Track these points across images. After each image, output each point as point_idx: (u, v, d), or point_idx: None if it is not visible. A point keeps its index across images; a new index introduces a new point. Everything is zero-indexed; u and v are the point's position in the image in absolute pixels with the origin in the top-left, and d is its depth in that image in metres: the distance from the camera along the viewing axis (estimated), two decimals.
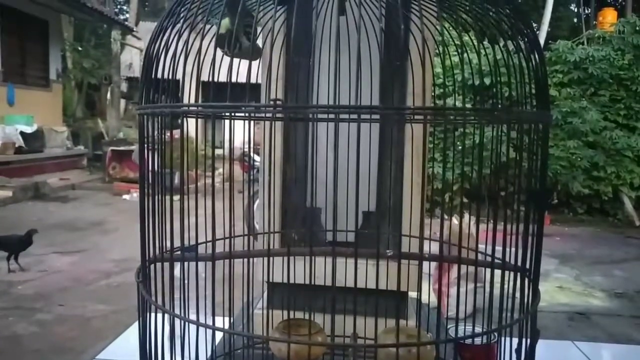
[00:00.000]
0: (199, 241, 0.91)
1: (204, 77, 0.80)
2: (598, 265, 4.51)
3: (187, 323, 0.65)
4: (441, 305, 0.89)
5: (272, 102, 0.64)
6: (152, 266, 0.72)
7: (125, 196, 7.32)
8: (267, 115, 0.90)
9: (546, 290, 3.65)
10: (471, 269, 2.14)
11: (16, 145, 8.33)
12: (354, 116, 0.59)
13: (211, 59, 0.67)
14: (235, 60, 0.78)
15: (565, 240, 5.42)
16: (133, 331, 0.77)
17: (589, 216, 6.72)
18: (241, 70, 0.87)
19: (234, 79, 0.79)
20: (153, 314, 0.76)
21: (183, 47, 0.70)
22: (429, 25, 0.96)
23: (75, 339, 2.72)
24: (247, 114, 0.86)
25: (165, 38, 0.74)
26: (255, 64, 1.04)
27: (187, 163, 0.84)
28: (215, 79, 0.82)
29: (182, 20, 0.70)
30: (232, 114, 0.83)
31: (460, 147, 1.00)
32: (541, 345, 0.97)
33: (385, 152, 1.21)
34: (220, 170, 1.00)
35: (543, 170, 0.83)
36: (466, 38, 1.31)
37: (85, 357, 2.43)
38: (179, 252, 0.73)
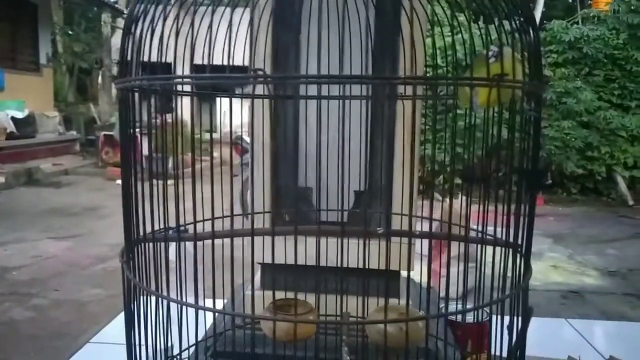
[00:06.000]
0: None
1: (195, 59, 0.78)
2: (591, 244, 4.54)
3: (171, 303, 0.65)
4: (434, 285, 0.89)
5: (254, 72, 0.63)
6: (139, 248, 0.71)
7: (119, 181, 7.26)
8: (252, 85, 0.88)
9: (540, 269, 3.67)
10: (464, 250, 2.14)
11: (7, 131, 8.26)
12: (341, 92, 0.57)
13: (191, 40, 0.65)
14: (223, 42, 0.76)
15: (559, 220, 5.45)
16: None
17: (582, 196, 6.75)
18: (232, 54, 0.86)
19: (226, 62, 0.77)
20: (142, 297, 0.75)
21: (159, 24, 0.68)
22: (421, 1, 0.94)
23: (71, 324, 2.72)
24: (232, 91, 0.84)
25: (148, 16, 0.72)
26: (241, 45, 1.02)
27: (176, 146, 0.83)
28: (204, 62, 0.80)
29: None
30: (217, 91, 0.81)
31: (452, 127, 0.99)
32: (534, 323, 0.97)
33: (375, 129, 1.20)
34: (214, 154, 0.99)
35: (536, 147, 0.82)
36: (461, 18, 1.29)
37: (81, 341, 2.44)
38: (162, 233, 0.72)
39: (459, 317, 1.13)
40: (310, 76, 0.75)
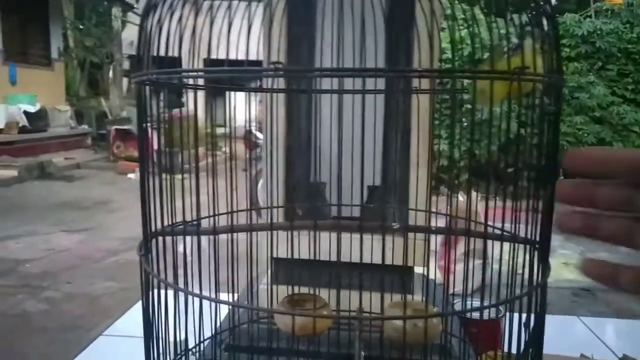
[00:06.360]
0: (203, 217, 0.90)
1: (205, 54, 0.77)
2: None
3: (189, 296, 0.65)
4: (447, 281, 0.88)
5: (272, 65, 0.62)
6: (154, 241, 0.71)
7: (130, 175, 7.33)
8: (268, 79, 0.88)
9: (551, 266, 3.65)
10: (477, 245, 2.12)
11: (20, 125, 8.35)
12: (358, 86, 0.57)
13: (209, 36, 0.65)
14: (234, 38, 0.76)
15: None
16: (139, 307, 0.78)
17: None
18: (242, 49, 0.85)
19: (241, 57, 0.77)
20: (157, 290, 0.75)
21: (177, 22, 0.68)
22: None
23: (83, 317, 2.75)
24: (247, 84, 0.84)
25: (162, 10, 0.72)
26: (254, 39, 1.01)
27: (188, 141, 0.83)
28: (218, 56, 0.80)
29: None
30: (233, 84, 0.81)
31: (466, 123, 0.98)
32: (546, 320, 0.97)
33: (390, 124, 1.19)
34: (224, 148, 0.99)
35: (555, 143, 0.81)
36: (476, 11, 1.28)
37: (93, 334, 2.46)
38: (181, 226, 0.73)
39: (474, 314, 1.13)
40: (326, 69, 0.74)
